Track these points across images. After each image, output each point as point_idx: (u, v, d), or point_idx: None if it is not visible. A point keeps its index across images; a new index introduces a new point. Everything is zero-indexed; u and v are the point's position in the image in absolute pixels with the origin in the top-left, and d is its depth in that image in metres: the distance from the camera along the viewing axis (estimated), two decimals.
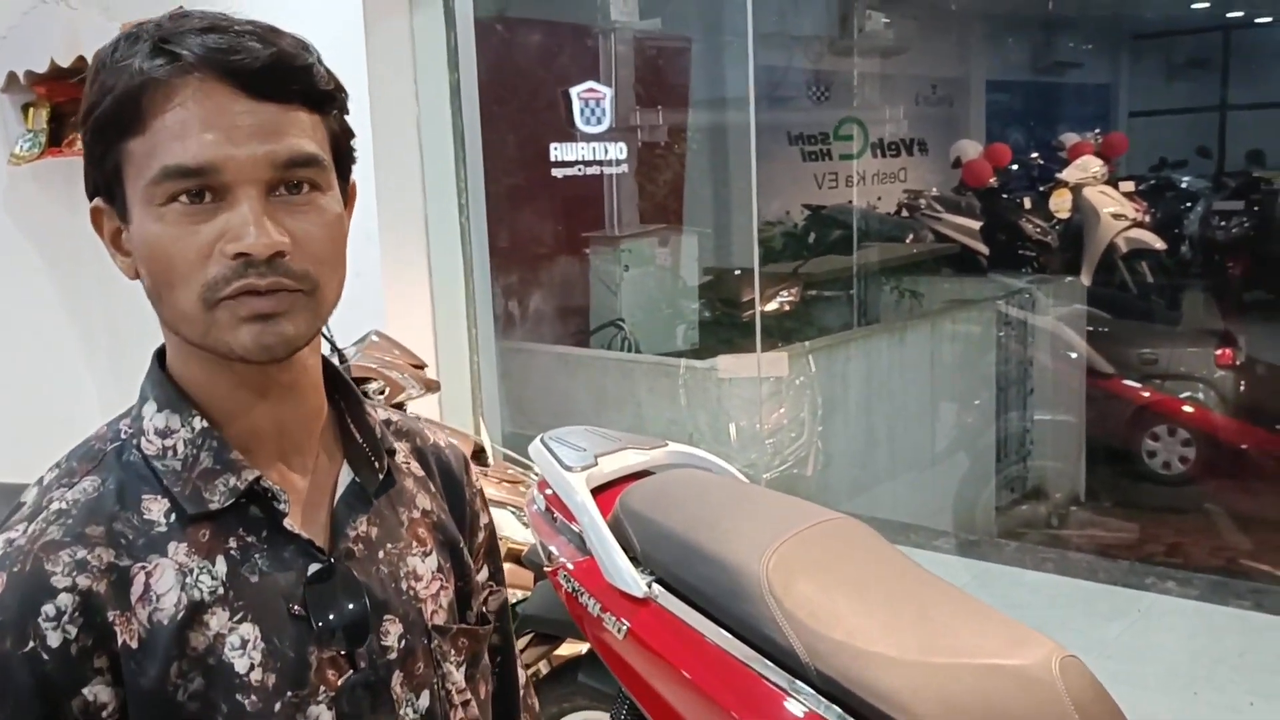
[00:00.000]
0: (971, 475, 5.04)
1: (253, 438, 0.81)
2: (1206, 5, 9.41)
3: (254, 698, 0.75)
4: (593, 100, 4.85)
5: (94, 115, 0.76)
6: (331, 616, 0.79)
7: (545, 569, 1.72)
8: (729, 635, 1.48)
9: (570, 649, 1.91)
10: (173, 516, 0.77)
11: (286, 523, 0.79)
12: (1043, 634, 1.41)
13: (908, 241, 6.84)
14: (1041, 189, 6.67)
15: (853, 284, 6.14)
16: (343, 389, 0.88)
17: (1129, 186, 6.64)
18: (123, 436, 0.80)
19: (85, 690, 0.72)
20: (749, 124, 6.05)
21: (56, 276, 3.53)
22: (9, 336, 3.38)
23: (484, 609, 0.95)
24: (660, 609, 1.55)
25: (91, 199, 0.80)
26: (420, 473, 0.91)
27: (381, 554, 0.84)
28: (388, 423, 0.92)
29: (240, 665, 0.75)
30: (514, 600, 2.03)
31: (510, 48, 4.89)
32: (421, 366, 2.40)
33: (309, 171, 0.76)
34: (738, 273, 4.72)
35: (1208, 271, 7.84)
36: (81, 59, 3.16)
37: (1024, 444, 5.38)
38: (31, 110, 3.47)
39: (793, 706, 1.40)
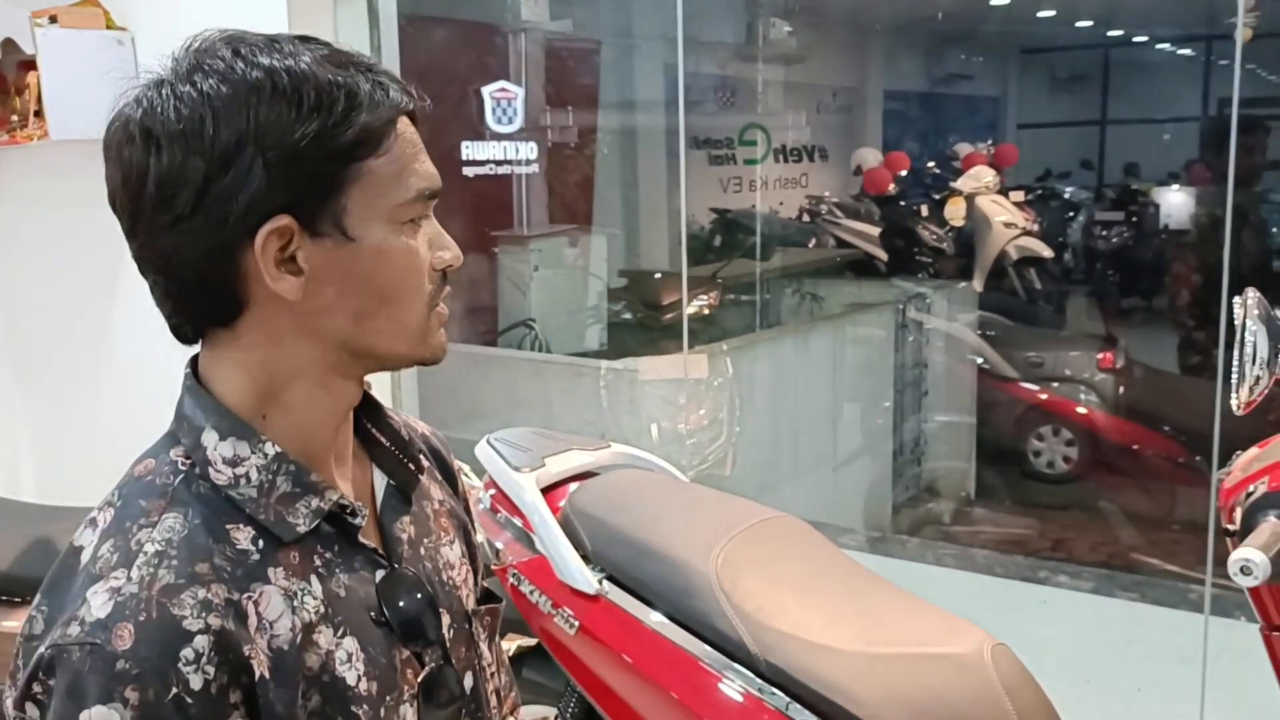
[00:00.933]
0: (870, 474, 5.19)
1: (318, 456, 0.82)
2: (1090, 24, 9.83)
3: (366, 707, 0.77)
4: (504, 100, 4.85)
5: (336, 133, 0.77)
6: (401, 615, 0.82)
7: (493, 566, 1.76)
8: (680, 629, 1.54)
9: (513, 644, 1.95)
10: (260, 543, 0.77)
11: (360, 536, 0.82)
12: (974, 624, 1.50)
13: (810, 246, 7.00)
14: (937, 197, 6.89)
15: (756, 287, 6.26)
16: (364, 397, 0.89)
17: (1019, 196, 6.92)
18: (182, 469, 0.79)
19: None
20: (661, 126, 6.11)
21: None
22: None
23: (484, 584, 0.99)
24: (611, 605, 1.60)
25: (270, 216, 0.76)
26: (426, 464, 0.95)
27: (423, 550, 0.88)
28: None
29: (350, 678, 0.77)
30: None
31: (426, 45, 4.87)
32: None
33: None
34: (657, 275, 4.78)
35: (1090, 279, 8.21)
36: None
37: (919, 444, 5.56)
38: None
39: (742, 696, 1.46)
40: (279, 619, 0.76)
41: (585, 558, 1.66)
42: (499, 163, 4.98)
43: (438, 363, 0.83)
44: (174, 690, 0.70)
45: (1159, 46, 10.14)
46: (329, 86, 0.78)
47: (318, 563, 0.79)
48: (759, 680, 1.46)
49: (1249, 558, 1.07)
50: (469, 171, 4.82)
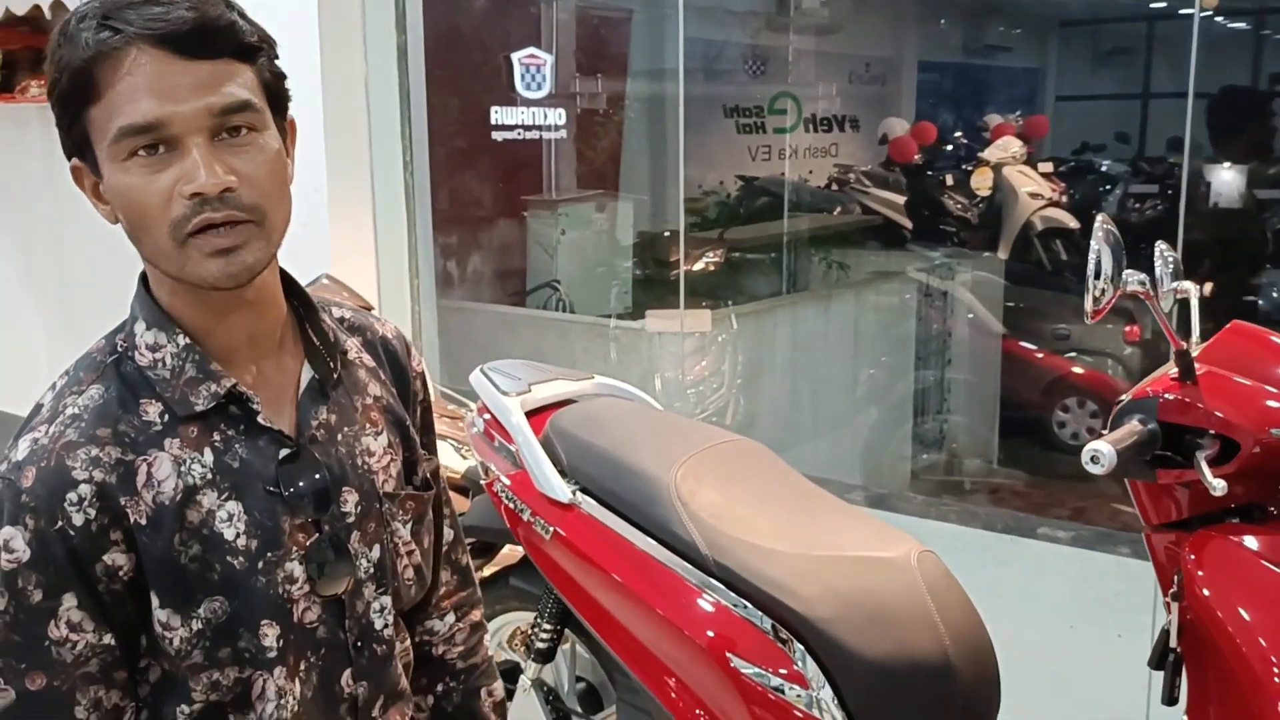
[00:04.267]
0: (891, 439, 5.28)
1: (228, 348, 0.97)
2: None
3: (240, 559, 0.94)
4: (533, 66, 4.97)
5: (57, 90, 0.91)
6: (300, 488, 0.97)
7: (482, 482, 1.93)
8: (642, 534, 1.70)
9: (499, 564, 2.12)
10: (166, 417, 0.94)
11: (260, 419, 0.97)
12: (906, 533, 1.66)
13: (836, 214, 7.07)
14: (964, 167, 6.92)
15: (783, 253, 6.36)
16: (300, 298, 1.05)
17: (1047, 167, 6.93)
18: (118, 350, 0.97)
19: (105, 557, 0.91)
20: (689, 95, 6.22)
21: (4, 221, 3.63)
22: None
23: (426, 475, 1.12)
24: (583, 514, 1.77)
25: (69, 159, 0.95)
26: (371, 363, 1.08)
27: (340, 437, 1.02)
28: (341, 320, 1.09)
29: (228, 534, 0.94)
30: None
31: (455, 11, 5.00)
32: (369, 309, 2.58)
33: (245, 116, 0.90)
34: (665, 234, 4.93)
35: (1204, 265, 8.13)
36: (37, 8, 3.26)
37: (941, 411, 5.62)
38: None
39: (694, 592, 1.63)
40: (165, 480, 0.92)
41: (562, 472, 1.82)
42: (527, 128, 5.09)
43: (218, 288, 0.91)
44: (59, 523, 0.89)
45: (1203, 17, 10.00)
46: (62, 41, 0.89)
47: (216, 438, 0.95)
48: (709, 579, 1.62)
49: (1098, 448, 1.21)
50: (498, 136, 4.94)
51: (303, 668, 0.97)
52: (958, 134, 7.89)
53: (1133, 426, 1.29)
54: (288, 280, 1.04)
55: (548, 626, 1.91)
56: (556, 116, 5.21)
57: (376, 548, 1.02)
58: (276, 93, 0.96)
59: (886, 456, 5.25)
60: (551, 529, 1.78)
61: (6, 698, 0.90)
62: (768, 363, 4.51)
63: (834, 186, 7.45)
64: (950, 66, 10.30)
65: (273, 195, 0.93)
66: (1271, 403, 1.27)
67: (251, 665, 0.94)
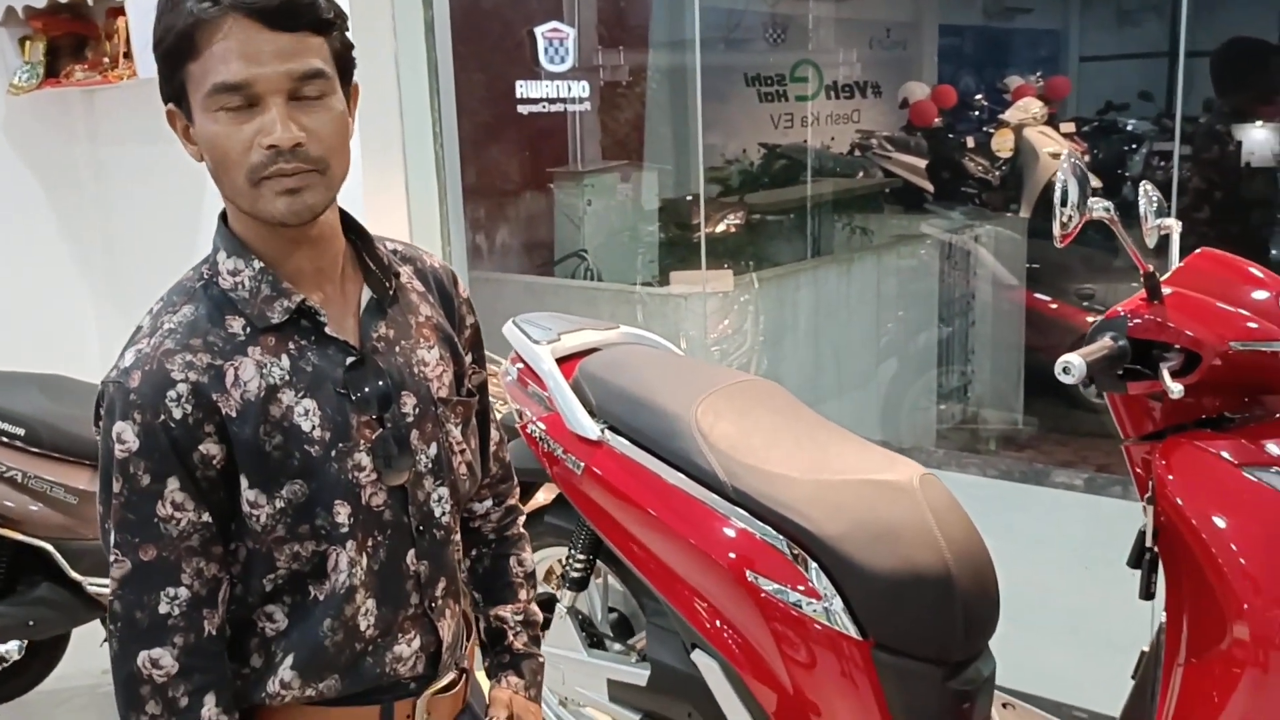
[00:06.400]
0: (917, 399, 5.37)
1: (297, 274, 1.12)
2: None
3: (316, 448, 1.09)
4: (556, 40, 5.06)
5: (162, 46, 1.05)
6: (366, 391, 1.12)
7: (517, 425, 2.07)
8: (666, 466, 1.84)
9: (535, 505, 2.26)
10: (248, 330, 1.09)
11: (328, 330, 1.12)
12: (910, 459, 1.78)
13: (859, 179, 7.13)
14: (985, 129, 6.96)
15: (806, 218, 6.44)
16: (358, 231, 1.19)
17: (1069, 127, 6.95)
18: (205, 277, 1.12)
19: (201, 446, 1.06)
20: (709, 65, 6.30)
21: (54, 201, 3.78)
22: (11, 256, 3.64)
23: (471, 386, 1.27)
24: (611, 450, 1.90)
25: (166, 104, 1.10)
26: (421, 288, 1.23)
27: (398, 349, 1.16)
28: (395, 252, 1.24)
29: (305, 426, 1.08)
30: None
31: None
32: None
33: (317, 83, 1.04)
34: (687, 198, 5.04)
35: (1203, 212, 8.11)
36: None
37: (966, 372, 5.70)
38: (28, 43, 3.69)
39: (714, 517, 1.76)
40: (250, 380, 1.07)
41: (591, 413, 1.96)
42: (552, 101, 5.18)
43: (285, 224, 1.06)
44: (162, 417, 1.04)
45: None
46: (169, 6, 1.04)
47: (291, 347, 1.09)
48: (728, 504, 1.76)
49: (1069, 360, 1.33)
50: (523, 109, 5.04)
51: (370, 544, 1.12)
52: (978, 96, 7.91)
53: (1104, 342, 1.40)
54: (347, 218, 1.18)
55: (580, 557, 2.05)
56: (580, 89, 5.30)
57: (434, 445, 1.17)
58: (345, 61, 1.11)
59: (913, 413, 5.33)
60: (583, 465, 1.91)
61: (124, 567, 1.06)
62: (790, 324, 4.61)
63: (857, 152, 7.51)
64: (971, 29, 10.28)
65: (336, 150, 1.07)
66: (1231, 319, 1.38)
67: (327, 540, 1.09)
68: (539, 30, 4.95)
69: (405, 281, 1.21)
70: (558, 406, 1.98)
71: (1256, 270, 1.48)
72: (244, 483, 1.07)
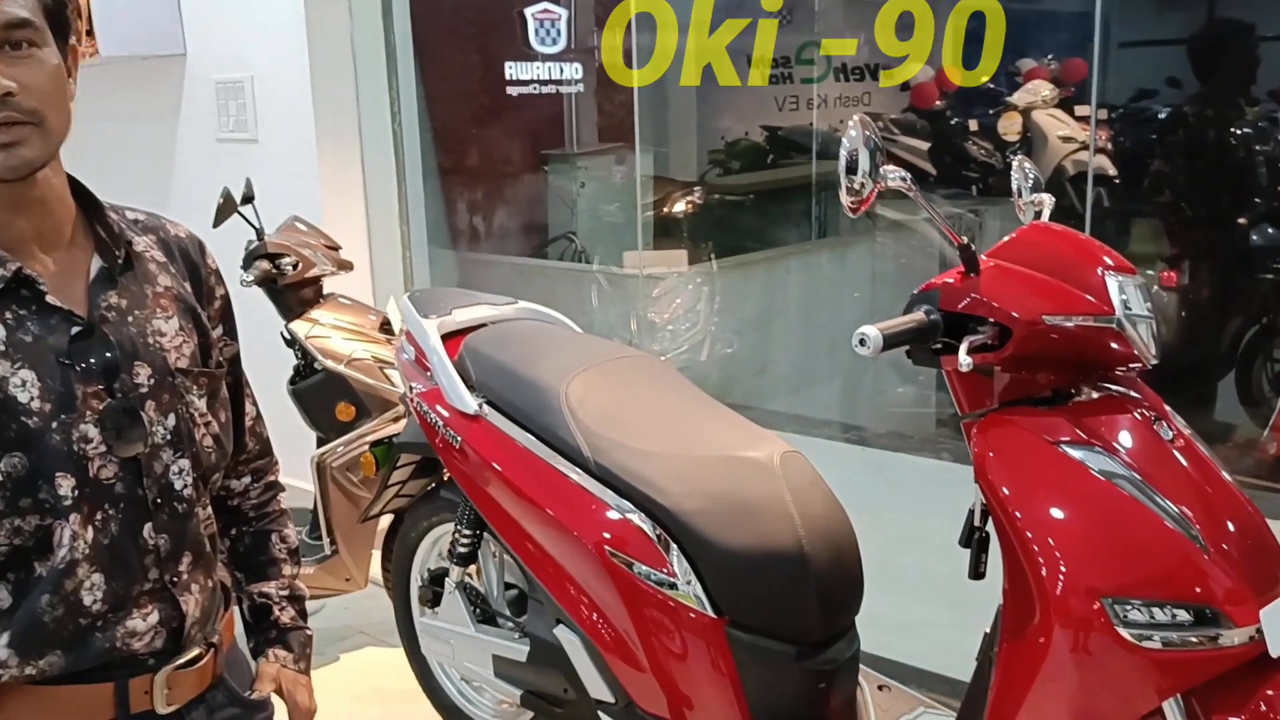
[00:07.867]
0: (913, 386, 5.32)
1: (17, 240, 1.10)
2: None
3: (35, 419, 1.07)
4: (547, 20, 5.03)
5: None
6: (91, 362, 1.10)
7: (406, 399, 2.07)
8: (535, 440, 1.83)
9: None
10: None
11: (49, 299, 1.10)
12: (776, 436, 1.76)
13: None
14: (991, 111, 6.84)
15: (811, 201, 6.38)
16: (88, 199, 1.18)
17: (1084, 111, 6.81)
18: None
19: None
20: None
21: None
22: None
23: (221, 358, 1.25)
24: (488, 424, 1.89)
25: None
26: (162, 258, 1.22)
27: (131, 319, 1.15)
28: (135, 221, 1.22)
29: (22, 397, 1.07)
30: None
31: None
32: (335, 248, 2.72)
33: (24, 33, 1.03)
34: (661, 179, 5.03)
35: (1161, 195, 7.98)
36: None
37: None
38: None
39: (577, 492, 1.75)
40: None
41: (471, 388, 1.95)
42: (543, 83, 5.16)
43: (4, 180, 1.03)
44: None
45: None
46: None
47: (8, 316, 1.07)
48: (590, 479, 1.74)
49: (865, 332, 1.29)
50: (512, 91, 5.02)
51: (99, 518, 1.10)
52: (983, 79, 7.77)
53: (914, 315, 1.37)
54: (77, 186, 1.17)
55: (466, 532, 2.05)
56: (574, 71, 5.27)
57: (172, 416, 1.15)
58: (59, 18, 1.10)
59: (911, 404, 5.27)
60: (460, 439, 1.91)
61: None
62: (780, 309, 4.58)
63: None
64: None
65: (53, 102, 1.05)
66: (1047, 291, 1.34)
67: (51, 514, 1.08)
68: (529, 11, 4.91)
69: (143, 251, 1.20)
70: (439, 380, 1.97)
71: (1088, 242, 1.44)
72: None
